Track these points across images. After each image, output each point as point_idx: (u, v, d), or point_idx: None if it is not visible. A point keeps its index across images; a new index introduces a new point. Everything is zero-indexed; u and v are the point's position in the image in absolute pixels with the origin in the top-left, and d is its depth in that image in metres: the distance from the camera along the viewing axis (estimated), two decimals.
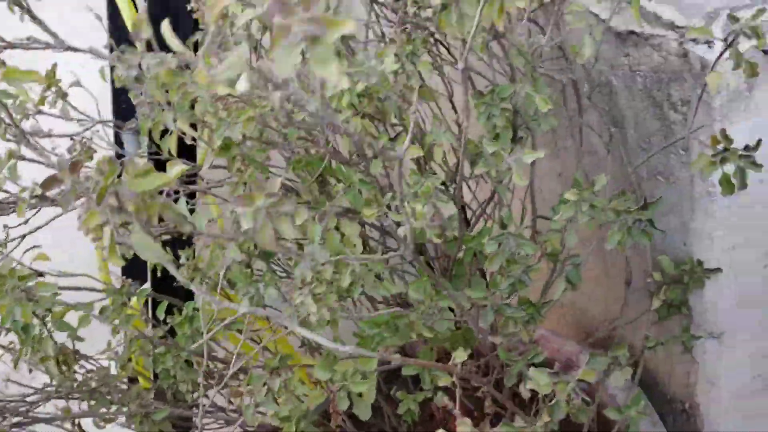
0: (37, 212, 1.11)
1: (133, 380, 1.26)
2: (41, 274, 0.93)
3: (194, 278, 1.21)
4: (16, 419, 1.01)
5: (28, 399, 1.09)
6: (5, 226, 1.06)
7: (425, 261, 1.04)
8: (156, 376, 1.21)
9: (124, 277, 1.16)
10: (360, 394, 0.89)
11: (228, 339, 1.29)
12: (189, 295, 1.20)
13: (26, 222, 1.08)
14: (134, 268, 1.42)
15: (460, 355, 0.90)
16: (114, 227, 0.57)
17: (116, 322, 1.13)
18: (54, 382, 1.05)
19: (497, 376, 1.08)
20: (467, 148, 0.86)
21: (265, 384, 0.91)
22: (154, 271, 1.28)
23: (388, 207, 0.91)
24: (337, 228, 0.86)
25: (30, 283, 0.81)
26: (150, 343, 1.17)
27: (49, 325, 0.96)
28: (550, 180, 1.34)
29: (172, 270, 0.80)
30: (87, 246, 1.40)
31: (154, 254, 0.57)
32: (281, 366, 0.93)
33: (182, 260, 1.21)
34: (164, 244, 1.25)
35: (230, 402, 1.29)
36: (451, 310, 0.99)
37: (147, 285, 1.15)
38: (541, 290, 1.07)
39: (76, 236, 1.27)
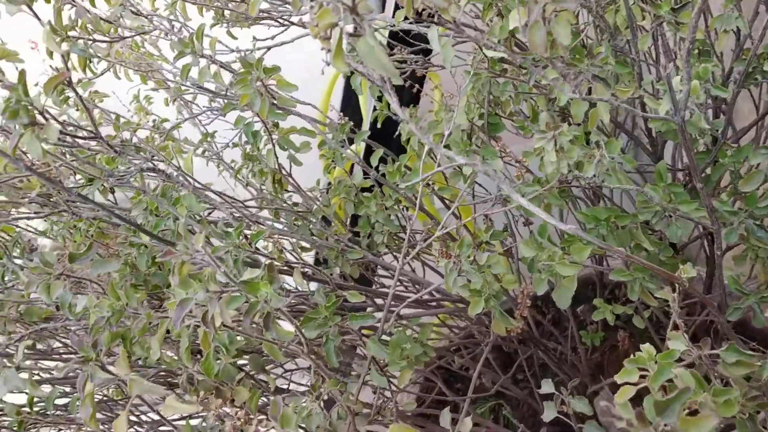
0: (285, 30, 1.14)
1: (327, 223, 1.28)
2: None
3: (410, 138, 1.19)
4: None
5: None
6: (254, 37, 1.10)
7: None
8: (354, 222, 1.23)
9: (347, 118, 1.17)
10: (564, 277, 0.83)
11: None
12: (401, 150, 1.18)
13: (272, 38, 1.11)
14: (354, 119, 1.43)
15: (687, 270, 0.80)
16: (343, 30, 0.53)
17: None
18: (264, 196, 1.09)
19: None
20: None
21: (471, 255, 0.87)
22: (374, 122, 1.28)
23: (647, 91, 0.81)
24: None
25: (271, 81, 0.81)
26: (355, 188, 1.18)
27: (275, 137, 0.99)
28: None
29: (394, 104, 0.77)
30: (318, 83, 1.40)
31: (378, 63, 0.52)
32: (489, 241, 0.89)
33: (404, 116, 1.19)
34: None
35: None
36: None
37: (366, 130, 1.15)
38: None
39: (312, 73, 1.29)
